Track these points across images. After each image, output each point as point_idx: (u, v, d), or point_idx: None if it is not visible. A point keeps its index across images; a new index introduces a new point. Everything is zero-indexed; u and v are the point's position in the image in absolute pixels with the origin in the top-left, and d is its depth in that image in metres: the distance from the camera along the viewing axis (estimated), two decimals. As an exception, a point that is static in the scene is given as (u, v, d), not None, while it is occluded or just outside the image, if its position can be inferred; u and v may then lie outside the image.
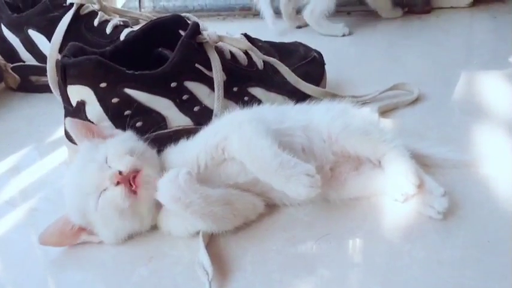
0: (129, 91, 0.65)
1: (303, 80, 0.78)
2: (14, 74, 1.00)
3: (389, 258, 0.53)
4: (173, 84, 0.67)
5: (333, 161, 0.61)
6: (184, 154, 0.59)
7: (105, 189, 0.54)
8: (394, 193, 0.59)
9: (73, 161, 0.61)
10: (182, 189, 0.52)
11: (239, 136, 0.57)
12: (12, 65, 0.99)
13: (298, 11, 1.21)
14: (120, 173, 0.53)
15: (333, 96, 0.79)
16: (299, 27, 1.23)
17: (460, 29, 1.15)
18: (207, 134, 0.61)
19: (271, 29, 1.18)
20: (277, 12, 1.22)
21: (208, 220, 0.54)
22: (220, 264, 0.53)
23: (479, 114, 0.79)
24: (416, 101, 0.85)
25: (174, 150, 0.61)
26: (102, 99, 0.64)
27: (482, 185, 0.62)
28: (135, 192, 0.54)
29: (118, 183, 0.53)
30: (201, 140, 0.60)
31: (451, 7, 1.28)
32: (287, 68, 0.77)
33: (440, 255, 0.52)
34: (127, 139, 0.60)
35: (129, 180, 0.54)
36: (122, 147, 0.57)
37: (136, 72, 0.65)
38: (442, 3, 1.28)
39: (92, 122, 0.65)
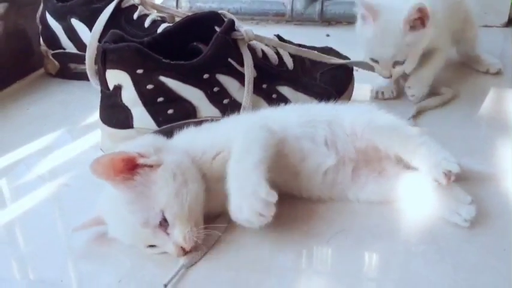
0: (163, 79, 0.67)
1: (331, 84, 0.80)
2: (54, 61, 1.04)
3: (403, 258, 0.54)
4: (206, 76, 0.69)
5: (355, 159, 0.61)
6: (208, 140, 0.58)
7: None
8: (435, 175, 0.56)
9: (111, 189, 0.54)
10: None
11: (244, 136, 0.56)
12: (53, 52, 1.03)
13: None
14: (183, 249, 0.52)
15: (370, 68, 0.85)
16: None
17: (493, 47, 1.15)
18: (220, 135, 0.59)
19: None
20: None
21: None
22: (237, 249, 0.55)
23: (505, 130, 0.80)
24: (444, 111, 0.86)
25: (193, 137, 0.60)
26: (138, 84, 0.67)
27: (502, 197, 0.62)
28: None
29: None
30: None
31: (486, 26, 1.28)
32: (316, 52, 0.79)
33: (455, 259, 0.53)
34: (180, 186, 0.53)
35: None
36: (182, 212, 0.52)
37: (172, 62, 0.67)
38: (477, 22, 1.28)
39: (126, 106, 0.68)
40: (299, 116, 0.63)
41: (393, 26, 0.79)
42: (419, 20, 0.79)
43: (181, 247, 0.52)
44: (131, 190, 0.52)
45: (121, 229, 0.54)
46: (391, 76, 0.86)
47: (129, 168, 0.52)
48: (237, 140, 0.55)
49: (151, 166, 0.53)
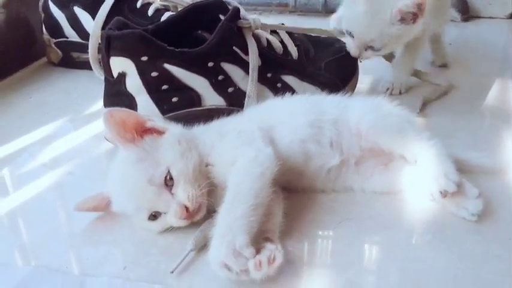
0: (168, 66, 0.67)
1: (335, 74, 0.80)
2: (57, 49, 1.04)
3: (408, 247, 0.54)
4: (210, 64, 0.69)
5: (359, 155, 0.61)
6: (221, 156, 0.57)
7: (162, 212, 0.54)
8: (432, 190, 0.57)
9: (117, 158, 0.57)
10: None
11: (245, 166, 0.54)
12: (55, 40, 1.03)
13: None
14: (186, 209, 0.53)
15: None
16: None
17: (497, 38, 1.15)
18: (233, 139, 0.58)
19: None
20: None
21: None
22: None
23: (509, 121, 0.79)
24: (449, 102, 0.86)
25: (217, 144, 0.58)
26: (142, 72, 0.67)
27: (507, 188, 0.62)
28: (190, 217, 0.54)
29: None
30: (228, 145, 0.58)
31: (490, 17, 1.29)
32: (302, 27, 0.79)
33: (460, 248, 0.53)
34: (185, 151, 0.55)
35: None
36: (186, 170, 0.53)
37: (176, 49, 0.67)
38: (481, 13, 1.29)
39: (131, 94, 0.67)
40: (306, 114, 0.62)
41: (384, 11, 0.75)
42: (413, 14, 0.75)
43: (185, 207, 0.52)
44: (140, 149, 0.55)
45: (126, 191, 0.54)
46: (359, 56, 0.82)
47: (138, 134, 0.56)
48: (233, 174, 0.54)
49: (158, 133, 0.56)
